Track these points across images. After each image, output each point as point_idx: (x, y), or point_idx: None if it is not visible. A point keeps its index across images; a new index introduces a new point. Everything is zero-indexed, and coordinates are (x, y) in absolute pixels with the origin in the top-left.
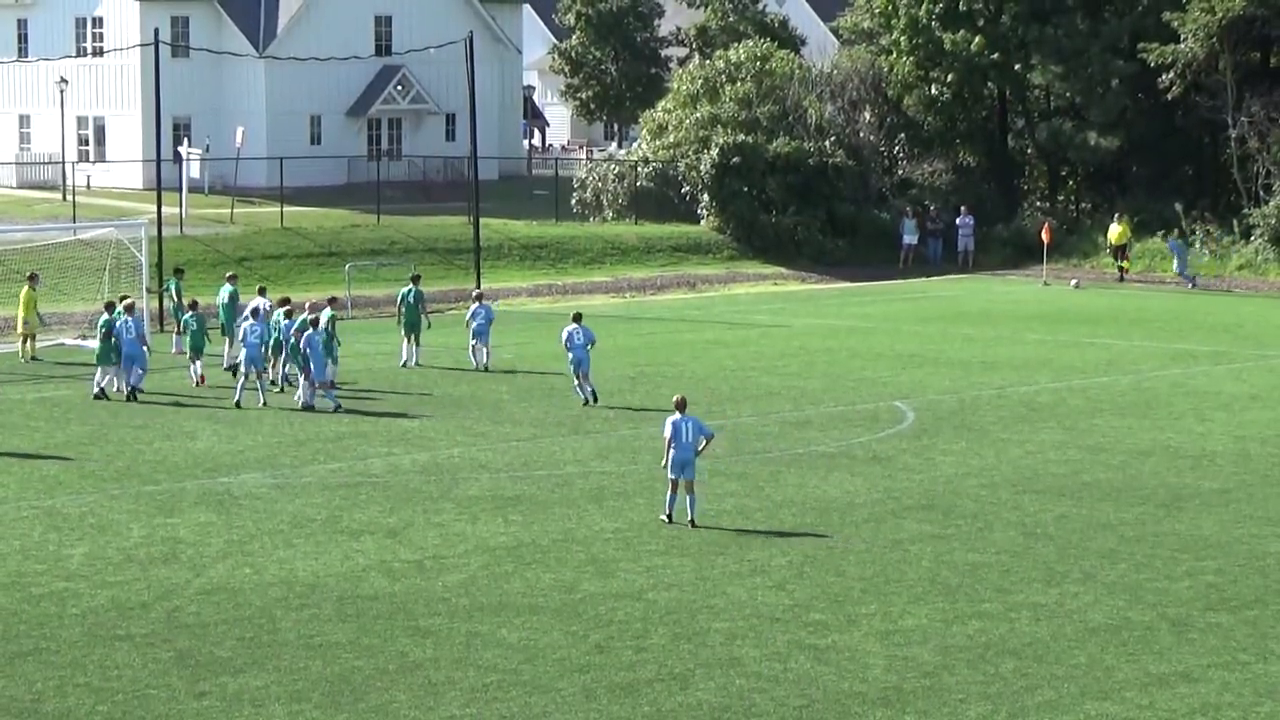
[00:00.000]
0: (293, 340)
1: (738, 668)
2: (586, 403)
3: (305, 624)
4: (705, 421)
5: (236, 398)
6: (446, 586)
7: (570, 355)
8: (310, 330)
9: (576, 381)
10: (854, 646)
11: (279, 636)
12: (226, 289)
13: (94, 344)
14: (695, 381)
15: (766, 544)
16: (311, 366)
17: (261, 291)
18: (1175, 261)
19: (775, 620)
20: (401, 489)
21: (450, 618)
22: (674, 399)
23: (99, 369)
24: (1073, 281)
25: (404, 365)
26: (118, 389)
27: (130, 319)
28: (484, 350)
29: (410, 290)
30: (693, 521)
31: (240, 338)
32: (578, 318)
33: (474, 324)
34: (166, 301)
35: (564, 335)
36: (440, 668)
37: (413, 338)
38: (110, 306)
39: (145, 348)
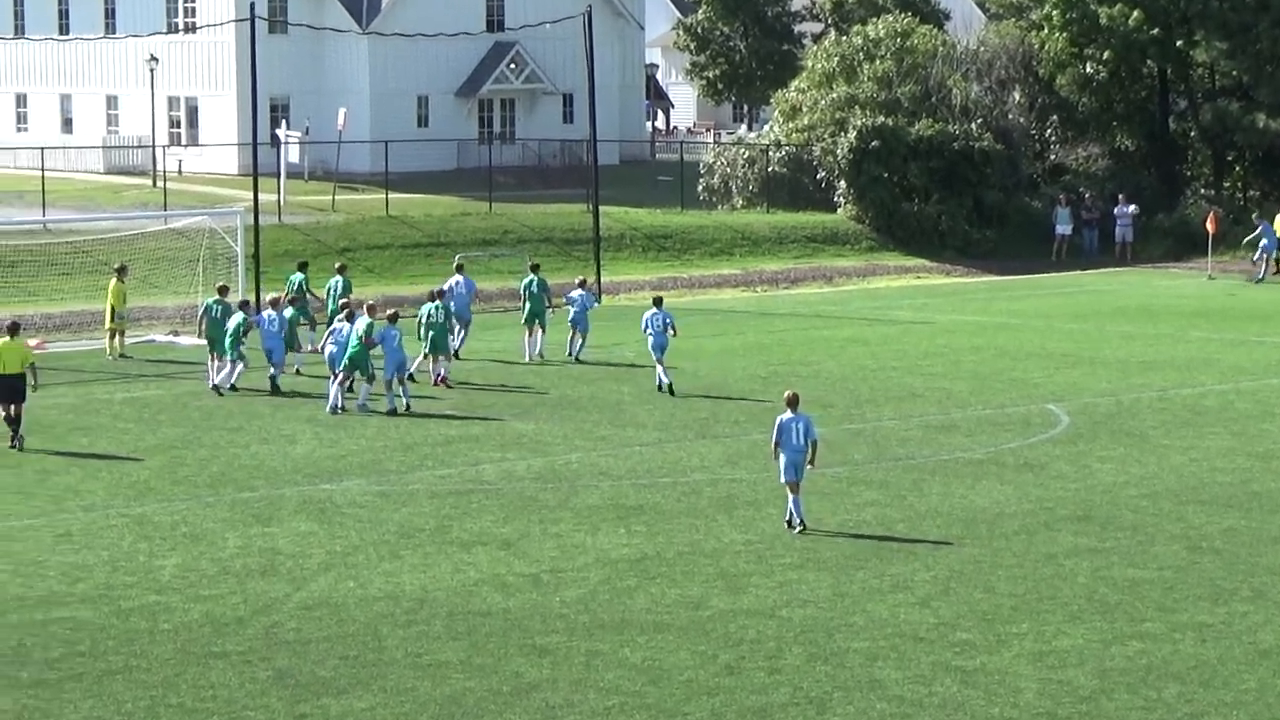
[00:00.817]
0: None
1: (878, 691)
2: (661, 389)
3: (413, 642)
4: (815, 425)
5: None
6: (565, 602)
7: (650, 340)
8: (387, 326)
9: (659, 369)
10: (1004, 669)
11: (384, 655)
12: (337, 280)
13: (187, 341)
14: (832, 382)
15: (909, 558)
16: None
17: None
18: (1264, 240)
19: (919, 640)
20: (516, 497)
21: (569, 636)
22: (785, 395)
23: (230, 365)
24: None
25: (528, 360)
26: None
27: (275, 314)
28: (579, 339)
29: (532, 279)
30: (802, 524)
31: (330, 338)
32: (658, 302)
33: (571, 311)
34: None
35: (643, 320)
36: (558, 689)
37: (536, 329)
38: (245, 305)
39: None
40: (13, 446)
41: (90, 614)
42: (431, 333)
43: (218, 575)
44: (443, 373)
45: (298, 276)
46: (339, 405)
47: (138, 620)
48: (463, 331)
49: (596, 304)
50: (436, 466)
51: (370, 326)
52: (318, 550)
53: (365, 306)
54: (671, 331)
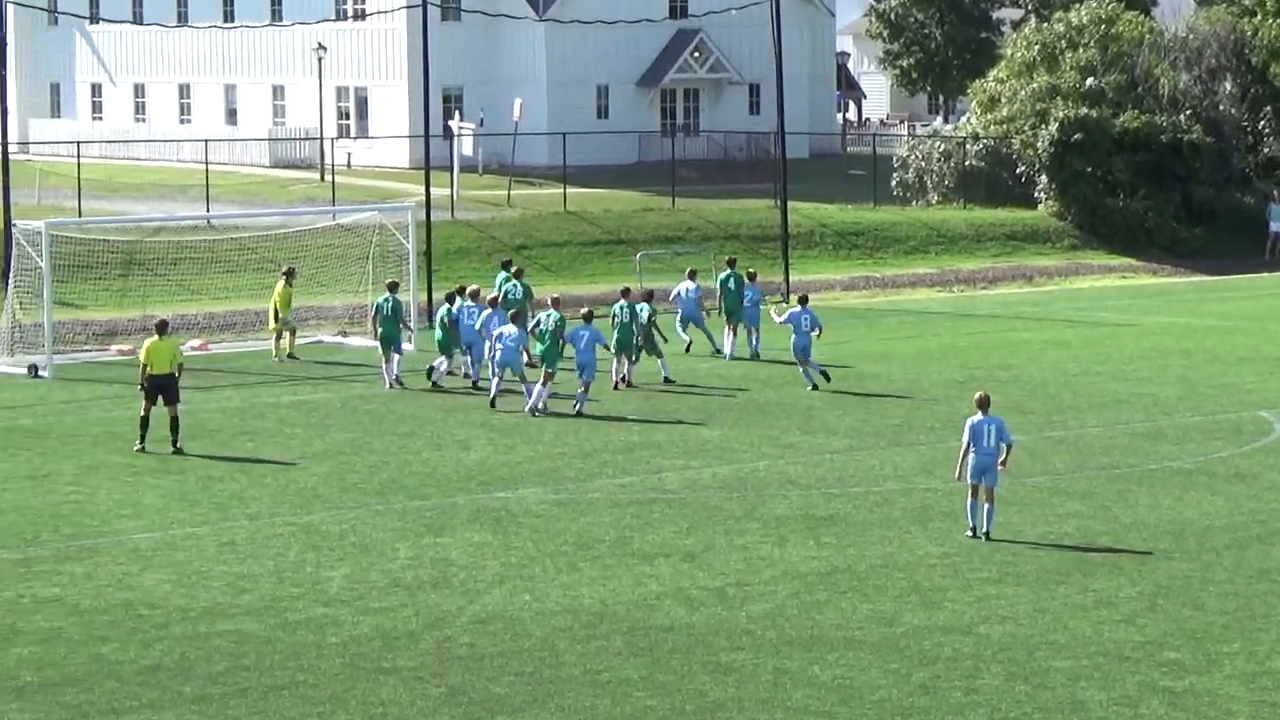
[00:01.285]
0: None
1: (1082, 713)
2: (814, 387)
3: (592, 658)
4: (1008, 429)
5: (492, 395)
6: (751, 617)
7: (794, 340)
8: (582, 325)
9: (803, 369)
10: (1215, 690)
11: (562, 672)
12: (513, 284)
13: (356, 342)
14: (1032, 387)
15: (1114, 572)
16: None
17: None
18: None
19: (1124, 659)
20: (700, 506)
21: (755, 652)
22: (976, 396)
23: (440, 358)
24: None
25: (728, 357)
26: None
27: (474, 305)
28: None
29: (728, 275)
30: (987, 534)
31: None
32: (804, 300)
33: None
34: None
35: (790, 318)
36: (744, 709)
37: (736, 326)
38: (451, 297)
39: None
40: (175, 451)
41: (255, 626)
42: (618, 333)
43: (388, 587)
44: (626, 375)
45: (502, 275)
46: (537, 406)
47: (304, 634)
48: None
49: (761, 298)
50: (617, 474)
51: (561, 321)
52: (492, 561)
53: (550, 300)
54: (816, 331)
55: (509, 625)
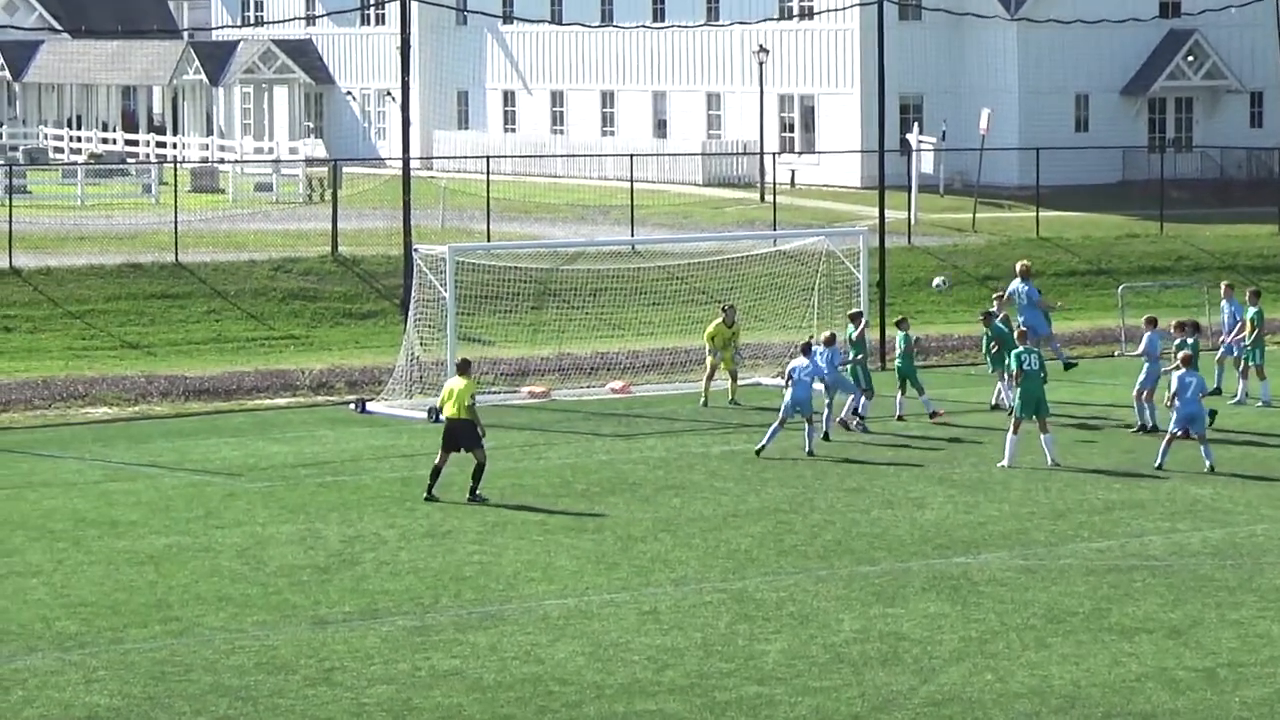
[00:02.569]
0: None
1: None
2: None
3: None
4: None
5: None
6: (1245, 703)
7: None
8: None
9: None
10: None
11: None
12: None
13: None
14: None
15: None
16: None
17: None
18: None
19: None
20: (1188, 575)
21: None
22: None
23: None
24: None
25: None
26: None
27: (827, 350)
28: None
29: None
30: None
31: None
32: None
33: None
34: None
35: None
36: None
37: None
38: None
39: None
40: (471, 499)
41: (680, 706)
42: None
43: (830, 663)
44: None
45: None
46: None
47: (735, 714)
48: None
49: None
50: (1093, 538)
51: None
52: (949, 636)
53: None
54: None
55: (968, 709)
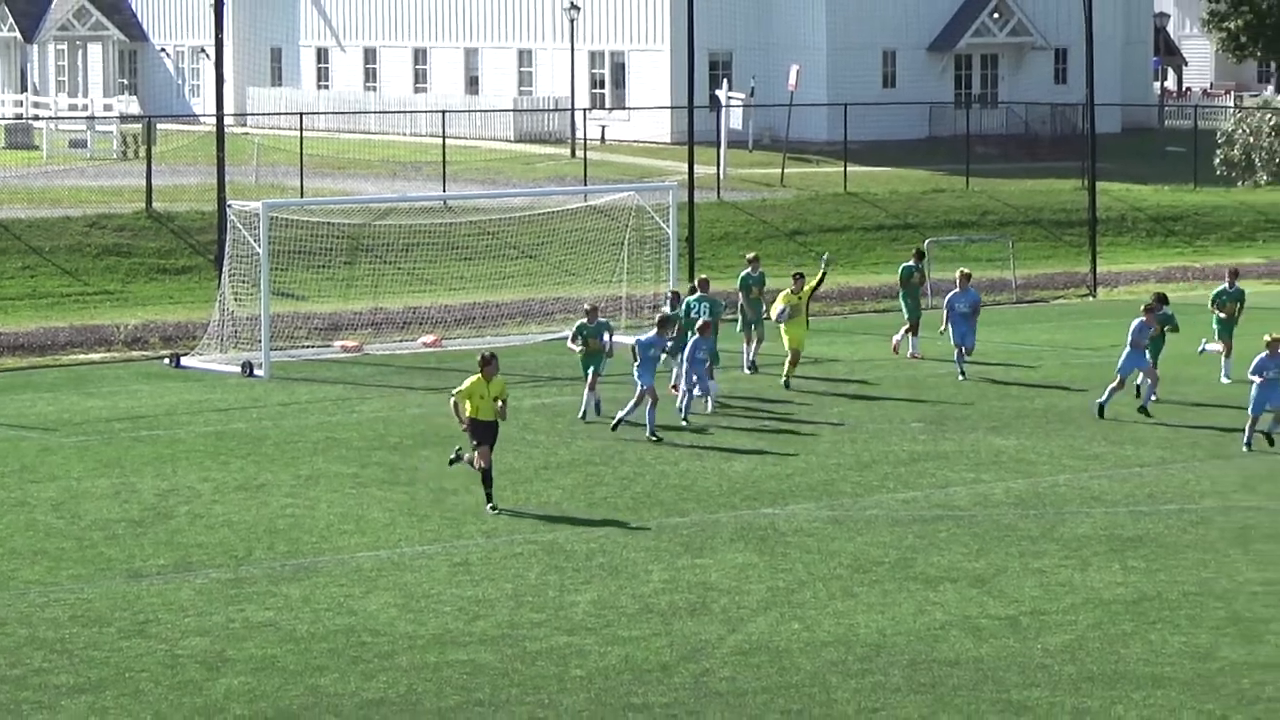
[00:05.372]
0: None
1: None
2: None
3: (867, 694)
4: None
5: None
6: (1047, 650)
7: (951, 329)
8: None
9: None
10: None
11: (834, 710)
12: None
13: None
14: None
15: None
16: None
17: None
18: None
19: None
20: (992, 525)
21: (1051, 689)
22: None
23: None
24: None
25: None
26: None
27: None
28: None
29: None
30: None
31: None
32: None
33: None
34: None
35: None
36: None
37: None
38: (676, 297)
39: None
40: (493, 508)
41: (491, 656)
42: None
43: (639, 614)
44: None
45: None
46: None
47: (545, 665)
48: None
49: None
50: (898, 489)
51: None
52: (757, 586)
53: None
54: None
55: (775, 658)
